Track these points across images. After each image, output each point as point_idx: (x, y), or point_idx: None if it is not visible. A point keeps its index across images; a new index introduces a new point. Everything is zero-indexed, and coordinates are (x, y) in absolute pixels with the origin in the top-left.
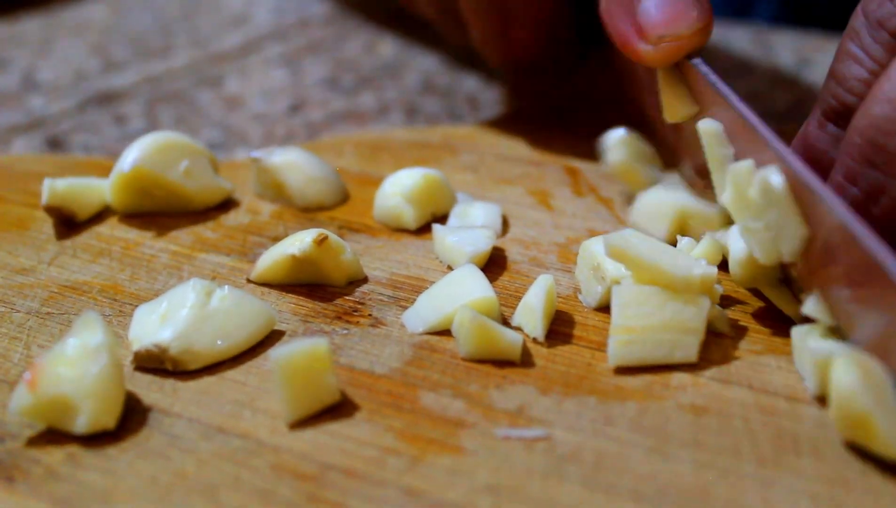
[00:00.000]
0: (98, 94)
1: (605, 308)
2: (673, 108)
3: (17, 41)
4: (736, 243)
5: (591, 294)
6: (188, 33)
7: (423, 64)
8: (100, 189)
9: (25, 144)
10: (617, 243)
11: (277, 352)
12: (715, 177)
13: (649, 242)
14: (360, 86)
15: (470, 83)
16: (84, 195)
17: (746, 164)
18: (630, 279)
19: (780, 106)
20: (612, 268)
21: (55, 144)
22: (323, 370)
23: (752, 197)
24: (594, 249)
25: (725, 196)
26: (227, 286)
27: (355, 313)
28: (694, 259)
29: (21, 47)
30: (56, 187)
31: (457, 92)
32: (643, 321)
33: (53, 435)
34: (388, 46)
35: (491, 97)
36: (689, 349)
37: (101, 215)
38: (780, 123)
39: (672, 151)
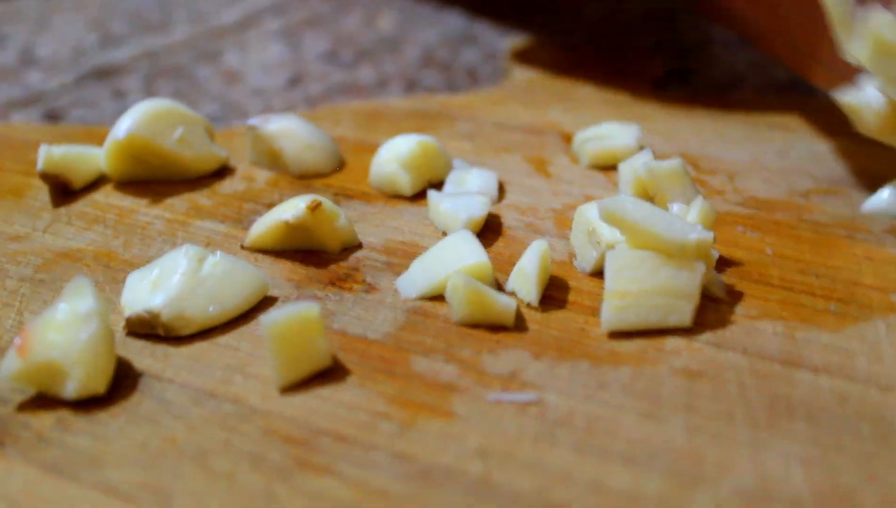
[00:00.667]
0: (96, 68)
1: (600, 274)
2: None
3: (15, 17)
4: (871, 95)
5: (585, 259)
6: (187, 8)
7: (423, 37)
8: (96, 157)
9: (23, 119)
10: (611, 208)
11: (268, 317)
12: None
13: (644, 206)
14: (359, 59)
15: (470, 56)
16: (80, 163)
17: (883, 14)
18: (625, 244)
19: (782, 77)
20: (608, 233)
21: (53, 119)
22: (314, 334)
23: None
24: (589, 214)
25: (859, 51)
26: (219, 252)
27: (349, 280)
28: (690, 224)
29: (19, 23)
30: (52, 154)
31: (456, 65)
32: (637, 285)
33: (44, 401)
34: (387, 20)
35: (491, 70)
36: (683, 314)
37: (97, 182)
38: (781, 93)
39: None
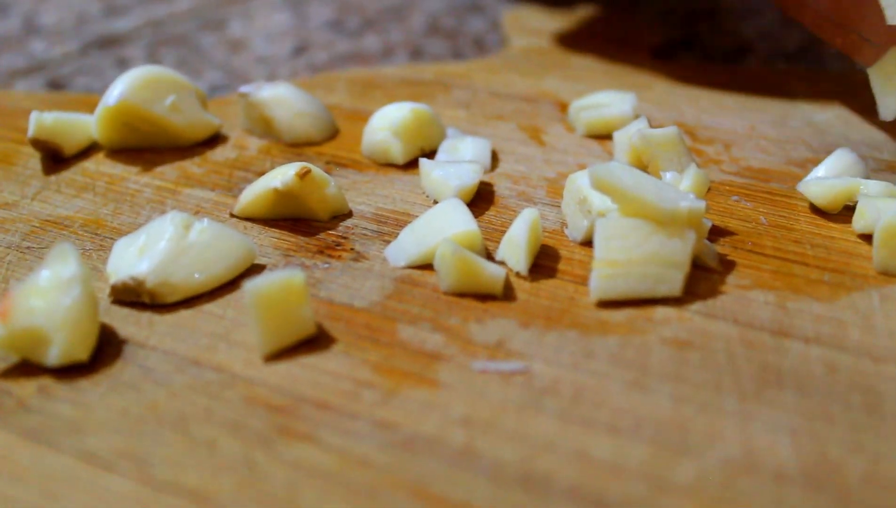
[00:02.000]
0: (100, 37)
1: (591, 243)
2: None
3: None
4: None
5: (576, 228)
6: None
7: (429, 6)
8: (87, 124)
9: (27, 87)
10: (602, 175)
11: (252, 283)
12: None
13: (635, 173)
14: (364, 28)
15: (476, 25)
16: (71, 130)
17: None
18: (616, 212)
19: (791, 46)
20: (598, 201)
21: (57, 88)
22: (298, 302)
23: None
24: (580, 182)
25: None
26: (206, 219)
27: (338, 248)
28: (681, 192)
29: None
30: (43, 121)
31: (462, 34)
32: (627, 254)
33: (26, 368)
34: None
35: (497, 39)
36: (673, 283)
37: (89, 150)
38: (790, 62)
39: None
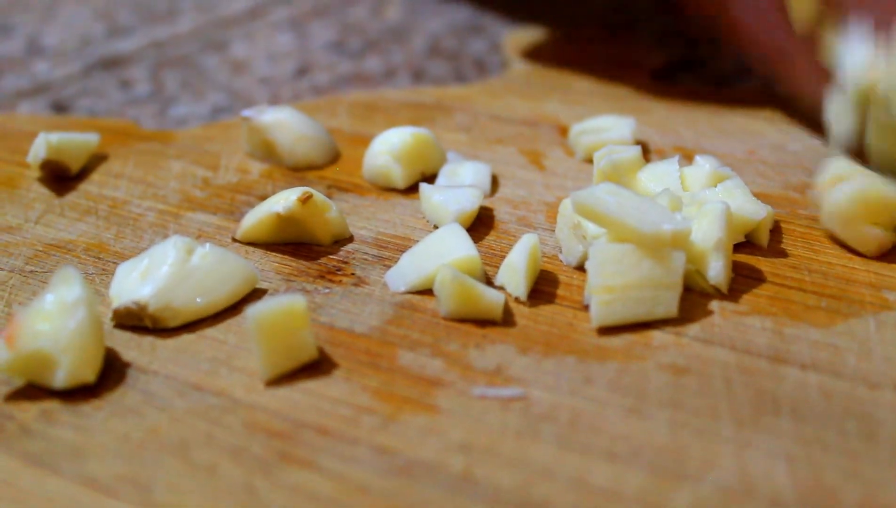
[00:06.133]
0: (103, 58)
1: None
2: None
3: (22, 6)
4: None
5: (571, 254)
6: None
7: (431, 27)
8: (88, 142)
9: (30, 108)
10: (584, 200)
11: (254, 309)
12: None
13: (620, 196)
14: (366, 49)
15: (477, 46)
16: (76, 148)
17: None
18: (605, 238)
19: None
20: (591, 226)
21: (60, 109)
22: (300, 327)
23: None
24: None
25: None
26: (208, 244)
27: (339, 272)
28: (667, 213)
29: (26, 12)
30: (51, 142)
31: (464, 55)
32: (621, 279)
33: (28, 392)
34: (394, 10)
35: (498, 61)
36: (669, 305)
37: (91, 166)
38: None
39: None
